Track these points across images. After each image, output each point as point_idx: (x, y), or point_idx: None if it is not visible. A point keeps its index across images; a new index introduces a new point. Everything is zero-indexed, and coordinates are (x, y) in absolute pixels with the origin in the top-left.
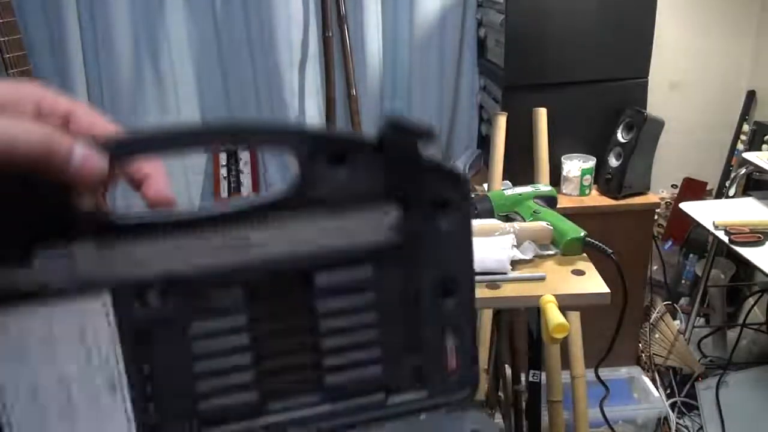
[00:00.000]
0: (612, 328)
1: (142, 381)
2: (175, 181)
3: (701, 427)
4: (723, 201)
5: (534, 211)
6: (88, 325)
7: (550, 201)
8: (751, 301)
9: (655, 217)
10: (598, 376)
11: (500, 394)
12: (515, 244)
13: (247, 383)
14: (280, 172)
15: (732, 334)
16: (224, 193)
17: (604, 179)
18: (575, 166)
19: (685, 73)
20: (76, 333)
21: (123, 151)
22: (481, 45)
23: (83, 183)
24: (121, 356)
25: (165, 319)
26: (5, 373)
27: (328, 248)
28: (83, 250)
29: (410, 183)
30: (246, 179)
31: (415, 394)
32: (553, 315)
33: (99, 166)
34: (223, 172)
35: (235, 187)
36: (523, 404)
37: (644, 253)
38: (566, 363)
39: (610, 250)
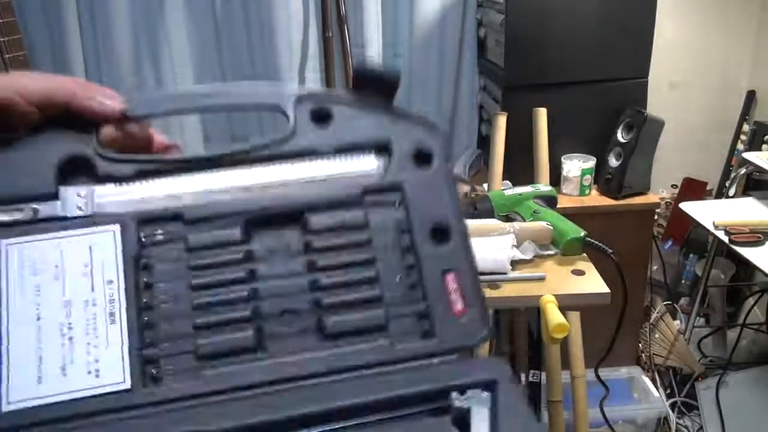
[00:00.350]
0: (612, 328)
1: (141, 313)
2: None
3: (701, 427)
4: (723, 201)
5: (534, 211)
6: (95, 256)
7: (550, 201)
8: (751, 301)
9: (655, 217)
10: (598, 376)
11: None
12: (515, 244)
13: (245, 319)
14: None
15: (732, 334)
16: None
17: (604, 179)
18: (575, 166)
19: (685, 73)
20: (84, 262)
21: (138, 110)
22: (481, 45)
23: (104, 118)
24: (123, 288)
25: (166, 253)
26: (17, 299)
27: (318, 193)
28: (101, 188)
29: (389, 135)
30: None
31: (422, 342)
32: (553, 315)
33: (117, 106)
34: None
35: None
36: None
37: (644, 253)
38: (566, 363)
39: (610, 250)
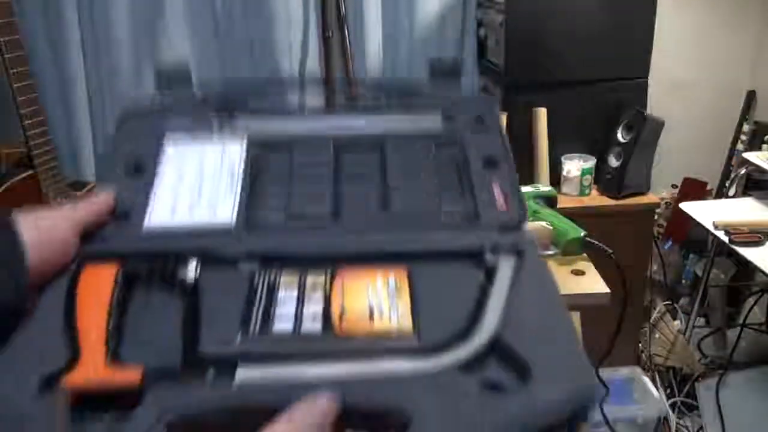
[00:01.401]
0: (612, 328)
1: (251, 186)
2: None
3: (701, 427)
4: (723, 201)
5: (534, 211)
6: (225, 156)
7: (550, 201)
8: (751, 301)
9: (655, 217)
10: (598, 376)
11: None
12: None
13: (325, 196)
14: None
15: (732, 334)
16: None
17: (604, 179)
18: (575, 166)
19: (686, 73)
20: (217, 158)
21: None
22: (481, 45)
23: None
24: (241, 171)
25: (275, 159)
26: (167, 171)
27: (396, 130)
28: (239, 122)
29: (453, 106)
30: None
31: (469, 222)
32: None
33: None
34: None
35: None
36: None
37: (644, 253)
38: None
39: (610, 250)
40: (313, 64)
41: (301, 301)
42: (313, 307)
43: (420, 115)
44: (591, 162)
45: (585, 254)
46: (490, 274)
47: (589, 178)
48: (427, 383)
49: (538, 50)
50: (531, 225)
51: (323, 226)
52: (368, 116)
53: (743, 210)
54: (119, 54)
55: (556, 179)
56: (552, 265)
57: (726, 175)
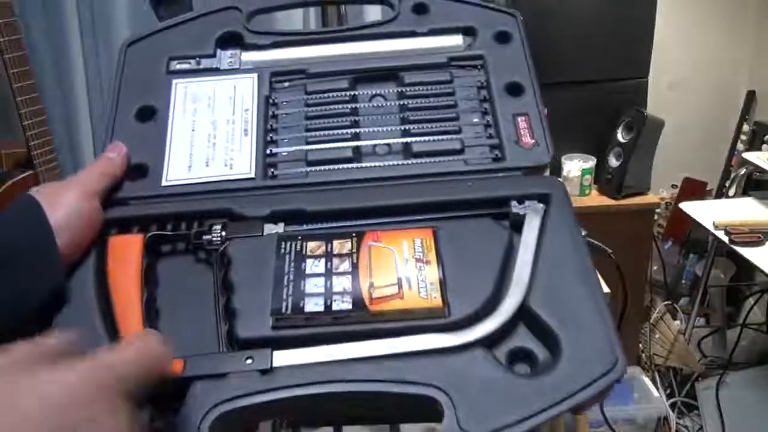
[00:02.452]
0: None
1: (267, 130)
2: None
3: (701, 427)
4: (723, 201)
5: None
6: (237, 93)
7: None
8: (751, 301)
9: (655, 217)
10: None
11: None
12: None
13: (346, 138)
14: None
15: (732, 334)
16: None
17: (604, 179)
18: (575, 166)
19: (685, 73)
20: (229, 96)
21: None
22: None
23: None
24: (256, 113)
25: (290, 95)
26: (179, 116)
27: (412, 58)
28: (246, 53)
29: (474, 22)
30: None
31: (493, 163)
32: None
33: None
34: None
35: None
36: None
37: (644, 253)
38: None
39: (610, 250)
40: None
41: (329, 273)
42: (343, 282)
43: (438, 36)
44: (591, 162)
45: None
46: (516, 226)
47: (589, 178)
48: (458, 361)
49: (538, 50)
50: None
51: (345, 177)
52: (384, 41)
53: (743, 210)
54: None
55: None
56: None
57: (726, 175)
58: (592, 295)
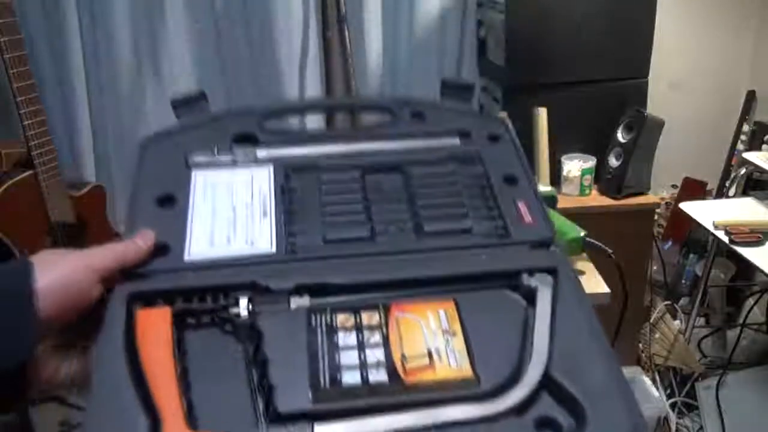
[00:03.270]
0: (612, 328)
1: (285, 212)
2: None
3: (701, 427)
4: (723, 201)
5: None
6: (255, 182)
7: (550, 201)
8: (751, 301)
9: (655, 217)
10: None
11: None
12: None
13: (361, 221)
14: None
15: (732, 334)
16: None
17: (604, 179)
18: (575, 166)
19: (685, 73)
20: (247, 183)
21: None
22: (481, 45)
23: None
24: (273, 198)
25: (305, 185)
26: (199, 201)
27: (416, 154)
28: (261, 150)
29: (468, 126)
30: None
31: (500, 238)
32: None
33: (149, 244)
34: None
35: None
36: None
37: (644, 253)
38: None
39: (610, 250)
40: (314, 64)
41: (362, 346)
42: (376, 354)
43: (437, 138)
44: (591, 162)
45: (585, 254)
46: (529, 298)
47: (589, 178)
48: (493, 430)
49: (538, 50)
50: None
51: (362, 251)
52: (388, 141)
53: (743, 210)
54: (119, 54)
55: (556, 179)
56: None
57: (726, 175)
58: (608, 360)
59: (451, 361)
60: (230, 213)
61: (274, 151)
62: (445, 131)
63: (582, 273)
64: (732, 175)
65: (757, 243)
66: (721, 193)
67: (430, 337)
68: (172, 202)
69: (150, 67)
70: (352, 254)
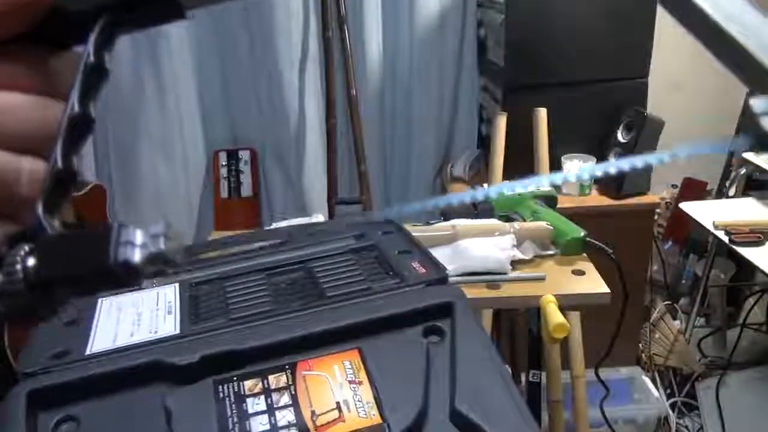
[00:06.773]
0: (612, 328)
1: (190, 309)
2: (175, 181)
3: (701, 427)
4: (723, 201)
5: (534, 211)
6: (161, 297)
7: (550, 201)
8: (751, 301)
9: (655, 217)
10: (598, 376)
11: None
12: (515, 244)
13: (261, 299)
14: (279, 173)
15: (732, 334)
16: (224, 193)
17: (604, 179)
18: (575, 166)
19: (686, 73)
20: (154, 298)
21: None
22: (481, 45)
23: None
24: (179, 303)
25: (209, 291)
26: (102, 317)
27: (317, 254)
28: (168, 278)
29: (361, 230)
30: (246, 179)
31: (396, 283)
32: (553, 315)
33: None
34: (223, 172)
35: (234, 188)
36: None
37: (644, 253)
38: (566, 363)
39: (610, 250)
40: (313, 64)
41: (272, 409)
42: (286, 415)
43: (334, 243)
44: (591, 162)
45: (585, 254)
46: (430, 333)
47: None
48: None
49: (538, 50)
50: (531, 225)
51: (265, 320)
52: (288, 253)
53: (743, 210)
54: (119, 54)
55: None
56: (552, 265)
57: (726, 175)
58: (506, 384)
59: (360, 411)
60: (135, 318)
61: (181, 274)
62: (341, 236)
63: (582, 273)
64: (732, 175)
65: (757, 243)
66: (721, 193)
67: (337, 390)
68: (77, 323)
69: (150, 66)
70: (256, 323)
